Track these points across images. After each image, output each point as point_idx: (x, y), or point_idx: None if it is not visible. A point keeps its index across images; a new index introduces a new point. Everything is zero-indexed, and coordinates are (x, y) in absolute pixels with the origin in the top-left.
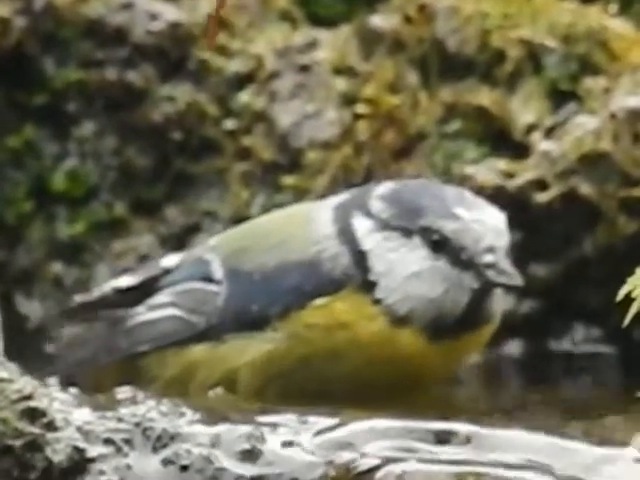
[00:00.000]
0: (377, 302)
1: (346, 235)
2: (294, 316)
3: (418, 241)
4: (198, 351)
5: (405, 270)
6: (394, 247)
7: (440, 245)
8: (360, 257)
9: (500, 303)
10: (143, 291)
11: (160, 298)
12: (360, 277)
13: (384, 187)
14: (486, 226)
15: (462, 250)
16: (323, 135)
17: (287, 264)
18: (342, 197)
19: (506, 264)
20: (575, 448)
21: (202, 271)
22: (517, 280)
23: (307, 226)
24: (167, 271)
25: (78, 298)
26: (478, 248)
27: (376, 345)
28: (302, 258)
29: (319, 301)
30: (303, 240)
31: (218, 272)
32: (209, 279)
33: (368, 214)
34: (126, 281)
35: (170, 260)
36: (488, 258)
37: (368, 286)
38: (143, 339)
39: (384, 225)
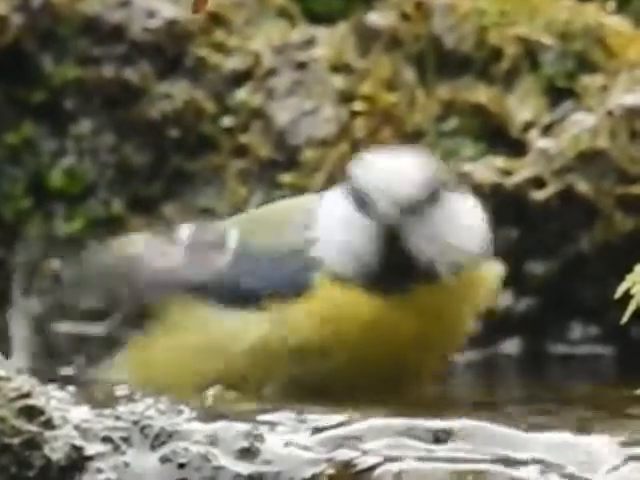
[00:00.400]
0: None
1: (308, 224)
2: (282, 304)
3: (345, 194)
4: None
5: (328, 222)
6: (332, 207)
7: (353, 194)
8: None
9: (449, 258)
10: None
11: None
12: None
13: None
14: (391, 173)
15: (364, 196)
16: (320, 132)
17: (283, 250)
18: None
19: (391, 209)
20: (573, 445)
21: (219, 235)
22: (389, 219)
23: (305, 214)
24: None
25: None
26: (377, 194)
27: (344, 318)
28: (295, 246)
29: (297, 295)
30: (299, 228)
31: (232, 241)
32: (223, 244)
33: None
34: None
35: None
36: (382, 204)
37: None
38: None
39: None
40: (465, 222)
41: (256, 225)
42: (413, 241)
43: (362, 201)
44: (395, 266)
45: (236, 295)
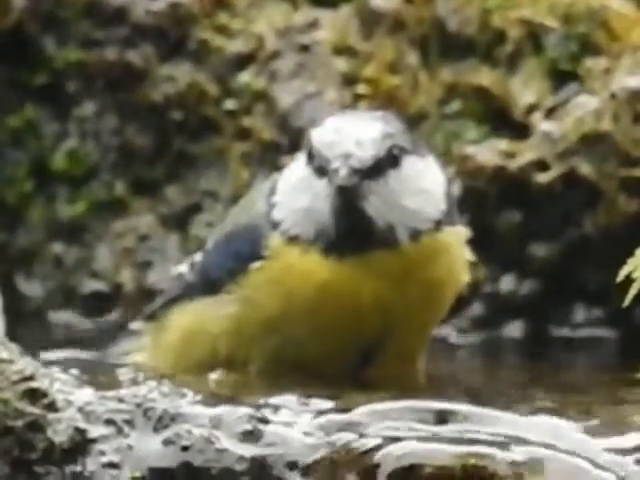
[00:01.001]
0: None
1: (272, 189)
2: (241, 280)
3: (305, 158)
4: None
5: (287, 186)
6: (292, 172)
7: (309, 155)
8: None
9: (407, 223)
10: None
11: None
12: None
13: None
14: (346, 134)
15: (319, 157)
16: (323, 115)
17: (232, 231)
18: None
19: (345, 170)
20: (574, 428)
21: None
22: (343, 181)
23: (256, 194)
24: None
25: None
26: (330, 154)
27: (299, 281)
28: (242, 223)
29: (256, 264)
30: (248, 207)
31: (209, 243)
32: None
33: None
34: None
35: None
36: (335, 164)
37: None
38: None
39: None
40: (426, 186)
41: (228, 216)
42: (369, 204)
43: (318, 164)
44: (351, 229)
45: (209, 286)
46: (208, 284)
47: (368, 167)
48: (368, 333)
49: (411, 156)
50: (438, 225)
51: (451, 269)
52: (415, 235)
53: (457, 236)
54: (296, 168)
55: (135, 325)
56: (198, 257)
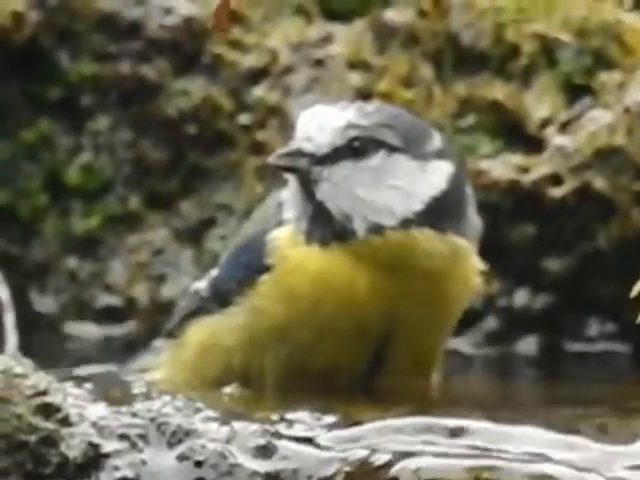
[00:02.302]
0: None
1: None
2: (249, 290)
3: None
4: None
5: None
6: None
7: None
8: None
9: (365, 216)
10: None
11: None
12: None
13: None
14: (315, 119)
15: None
16: None
17: (241, 242)
18: None
19: (300, 155)
20: (588, 443)
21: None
22: (299, 165)
23: (268, 205)
24: None
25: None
26: (295, 138)
27: (296, 272)
28: (251, 233)
29: (265, 277)
30: (259, 218)
31: (223, 257)
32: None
33: None
34: None
35: None
36: (293, 147)
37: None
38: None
39: None
40: (399, 184)
41: (240, 229)
42: (320, 190)
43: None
44: (312, 217)
45: (222, 299)
46: (220, 297)
47: (323, 153)
48: (372, 329)
49: (392, 153)
50: (406, 224)
51: (443, 267)
52: (376, 229)
53: (429, 239)
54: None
55: (156, 342)
56: (214, 272)
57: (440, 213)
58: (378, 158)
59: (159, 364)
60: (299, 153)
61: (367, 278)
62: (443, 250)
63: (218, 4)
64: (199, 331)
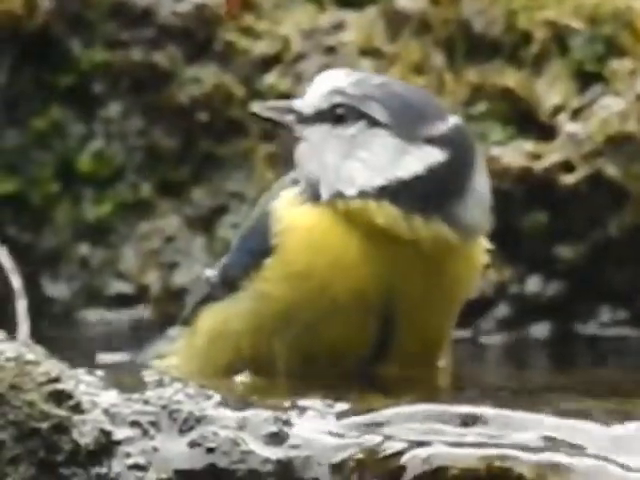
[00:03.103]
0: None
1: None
2: (254, 275)
3: None
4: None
5: None
6: None
7: None
8: None
9: (327, 180)
10: None
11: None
12: None
13: None
14: (316, 83)
15: None
16: None
17: (247, 227)
18: None
19: (281, 103)
20: (602, 430)
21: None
22: (266, 112)
23: (272, 189)
24: None
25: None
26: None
27: (295, 237)
28: (256, 217)
29: (268, 261)
30: (263, 201)
31: (233, 244)
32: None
33: None
34: None
35: None
36: (289, 105)
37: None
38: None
39: None
40: (368, 158)
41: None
42: (300, 151)
43: None
44: (301, 177)
45: (230, 285)
46: (228, 283)
47: (307, 114)
48: (371, 302)
49: (373, 126)
50: (363, 195)
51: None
52: (339, 196)
53: (386, 213)
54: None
55: (171, 330)
56: (224, 259)
57: (413, 196)
58: (355, 128)
59: (173, 352)
60: (287, 109)
61: (358, 241)
62: (418, 230)
63: None
64: (209, 318)
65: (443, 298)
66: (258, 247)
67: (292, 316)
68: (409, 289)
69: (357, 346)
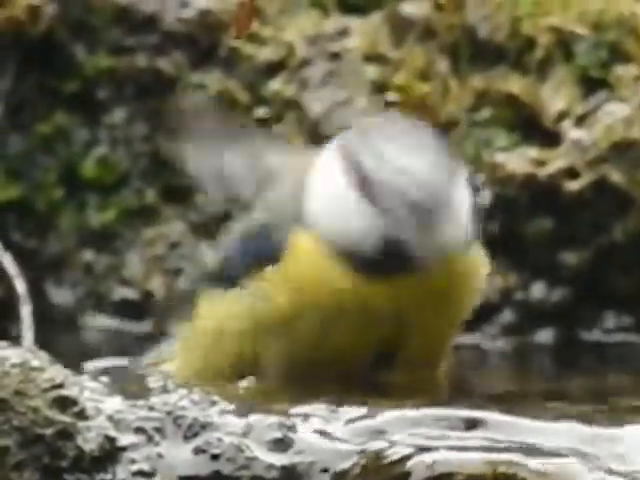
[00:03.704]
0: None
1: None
2: (257, 275)
3: (334, 160)
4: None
5: (318, 189)
6: (321, 174)
7: (359, 178)
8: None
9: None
10: None
11: None
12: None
13: None
14: (410, 176)
15: (380, 194)
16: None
17: (253, 229)
18: None
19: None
20: (607, 436)
21: None
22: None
23: (283, 195)
24: None
25: None
26: (395, 200)
27: (323, 289)
28: (261, 222)
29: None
30: (272, 207)
31: (234, 234)
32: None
33: None
34: None
35: None
36: (400, 212)
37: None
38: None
39: None
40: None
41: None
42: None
43: (374, 194)
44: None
45: (229, 278)
46: (228, 279)
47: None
48: (381, 336)
49: None
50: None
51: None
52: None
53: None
54: (329, 173)
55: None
56: (223, 251)
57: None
58: None
59: (173, 354)
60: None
61: (391, 303)
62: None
63: (238, 5)
64: (209, 316)
65: (449, 316)
66: (263, 253)
67: (290, 325)
68: (416, 312)
69: (359, 359)
